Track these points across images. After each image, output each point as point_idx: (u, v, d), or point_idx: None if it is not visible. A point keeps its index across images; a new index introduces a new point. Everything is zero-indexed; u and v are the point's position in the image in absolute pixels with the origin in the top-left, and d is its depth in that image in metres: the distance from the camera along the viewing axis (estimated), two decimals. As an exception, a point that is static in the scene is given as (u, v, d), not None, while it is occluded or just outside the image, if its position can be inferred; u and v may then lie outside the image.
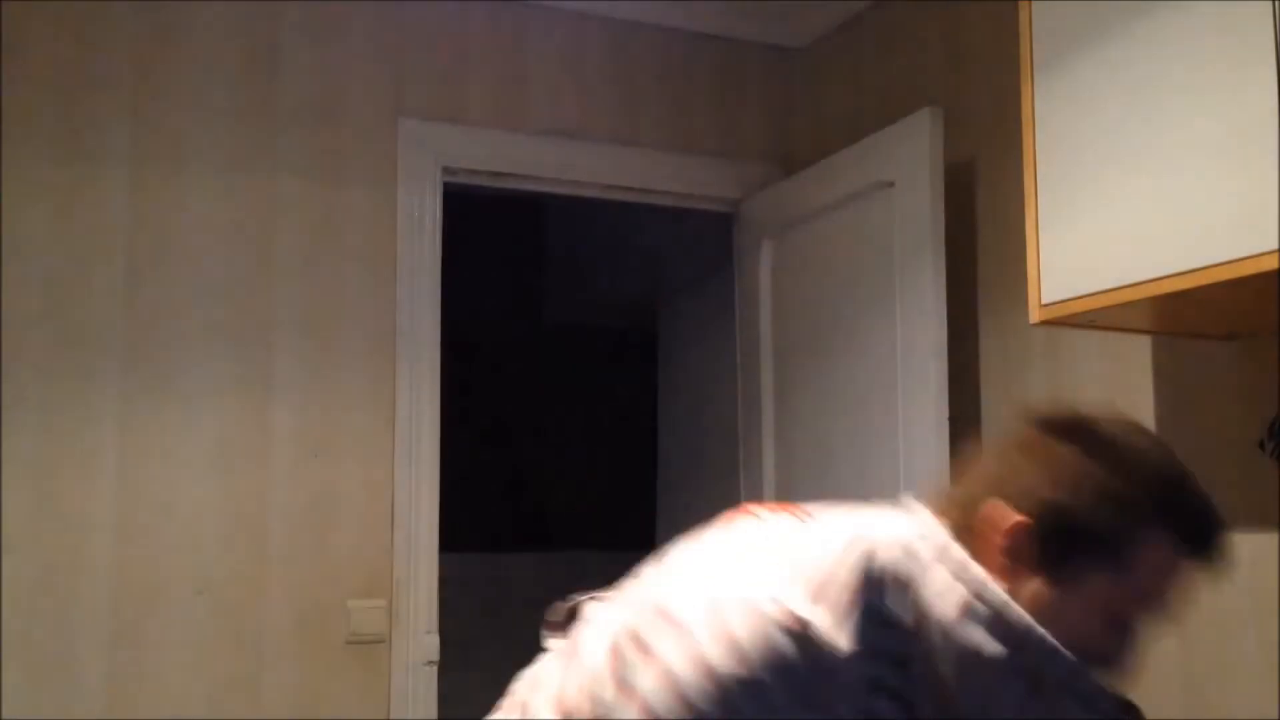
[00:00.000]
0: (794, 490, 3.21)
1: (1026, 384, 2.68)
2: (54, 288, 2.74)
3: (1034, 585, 1.06)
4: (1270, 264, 1.68)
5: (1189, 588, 1.10)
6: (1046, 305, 2.05)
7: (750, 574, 1.06)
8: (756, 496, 3.32)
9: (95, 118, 2.81)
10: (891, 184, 2.87)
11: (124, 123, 2.83)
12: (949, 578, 1.04)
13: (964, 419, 2.77)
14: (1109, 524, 1.06)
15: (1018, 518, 1.07)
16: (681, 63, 3.45)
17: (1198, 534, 1.08)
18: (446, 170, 3.15)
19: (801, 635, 0.98)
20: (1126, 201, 1.92)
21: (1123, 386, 2.44)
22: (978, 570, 1.05)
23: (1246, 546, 2.16)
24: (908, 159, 2.82)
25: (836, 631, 0.99)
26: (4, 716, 2.57)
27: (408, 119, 3.10)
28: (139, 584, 2.74)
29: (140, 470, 2.77)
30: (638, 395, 4.69)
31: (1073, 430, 1.11)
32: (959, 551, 1.06)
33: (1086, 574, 1.06)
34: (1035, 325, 2.10)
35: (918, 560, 1.04)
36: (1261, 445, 2.11)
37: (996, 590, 1.04)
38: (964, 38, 2.92)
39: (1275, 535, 2.11)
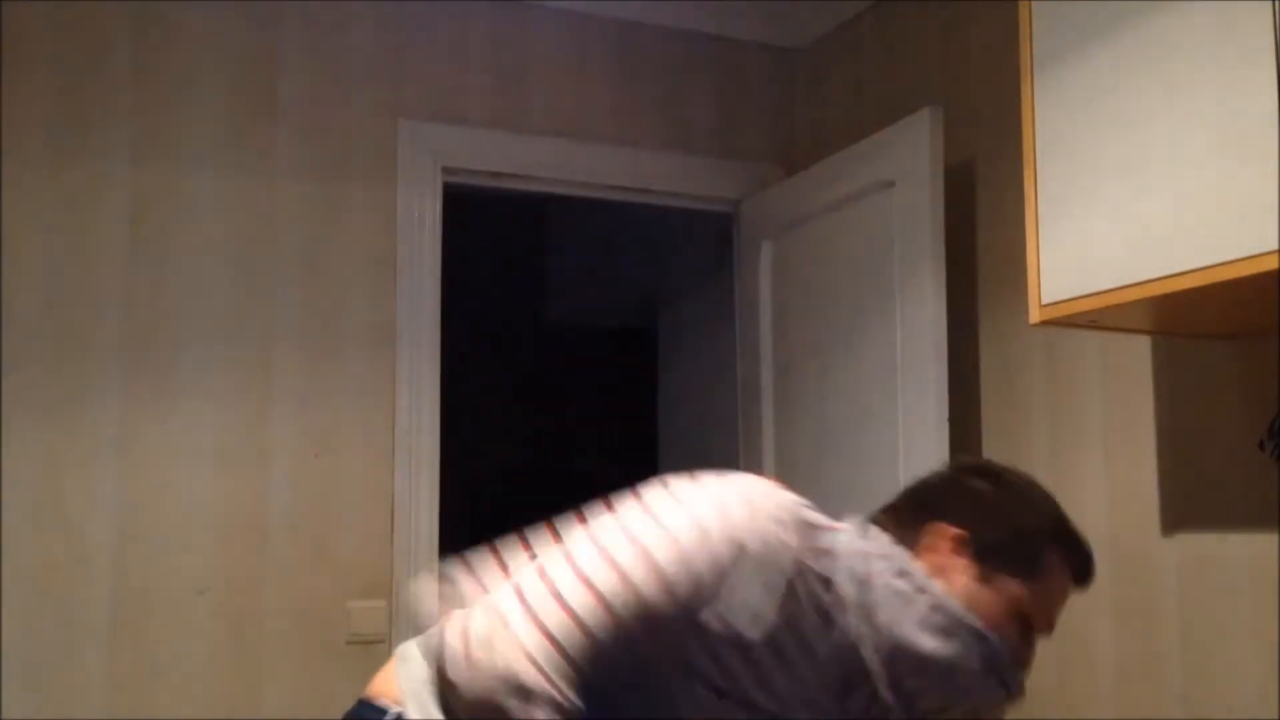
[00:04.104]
0: (794, 490, 3.21)
1: (1026, 384, 2.68)
2: (54, 288, 2.74)
3: (964, 581, 1.33)
4: (1270, 264, 1.68)
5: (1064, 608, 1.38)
6: (1046, 305, 2.05)
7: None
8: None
9: (95, 118, 2.81)
10: (891, 184, 2.87)
11: (124, 123, 2.84)
12: (893, 579, 1.33)
13: (964, 419, 2.77)
14: (1023, 541, 1.36)
15: (957, 530, 1.34)
16: (681, 63, 3.45)
17: (1083, 560, 1.38)
18: (446, 170, 3.15)
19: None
20: (1127, 201, 1.92)
21: (1123, 386, 2.44)
22: (919, 572, 1.33)
23: (1246, 546, 2.16)
24: (908, 159, 2.82)
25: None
26: (4, 717, 2.57)
27: (408, 119, 3.10)
28: (139, 584, 2.74)
29: (140, 470, 2.77)
30: (638, 395, 4.69)
31: (986, 472, 1.42)
32: (903, 558, 1.35)
33: (1005, 577, 1.34)
34: (1035, 325, 2.10)
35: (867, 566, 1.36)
36: (1261, 445, 2.11)
37: (935, 585, 1.32)
38: (964, 38, 2.92)
39: (1275, 535, 2.11)
